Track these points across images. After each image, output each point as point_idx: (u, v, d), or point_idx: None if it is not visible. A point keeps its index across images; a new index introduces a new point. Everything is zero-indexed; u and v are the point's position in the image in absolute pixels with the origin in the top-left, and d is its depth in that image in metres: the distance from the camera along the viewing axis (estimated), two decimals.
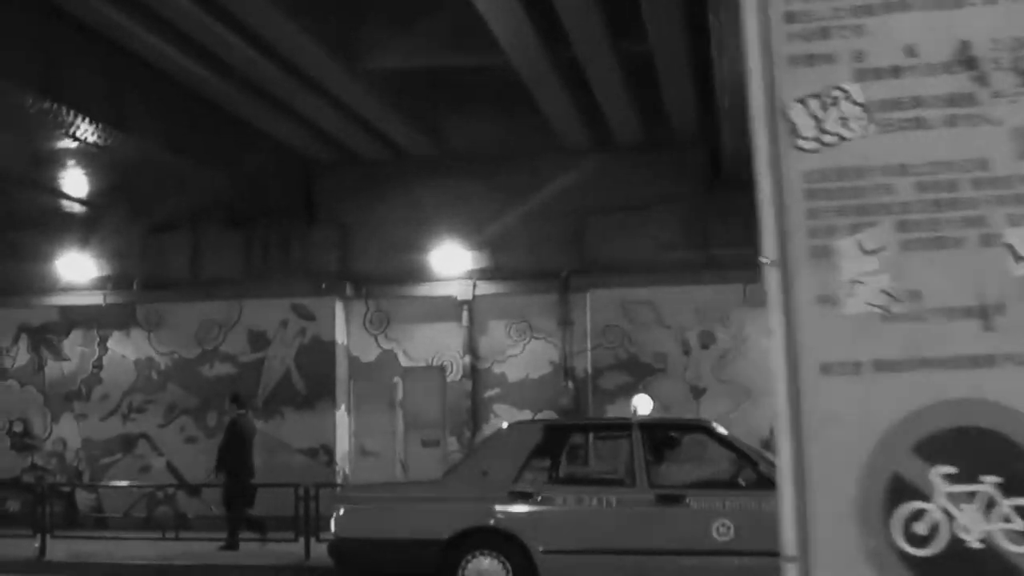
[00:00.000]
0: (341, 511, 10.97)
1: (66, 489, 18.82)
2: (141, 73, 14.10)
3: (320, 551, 14.60)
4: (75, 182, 17.28)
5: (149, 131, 14.64)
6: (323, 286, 18.26)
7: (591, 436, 12.30)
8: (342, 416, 18.43)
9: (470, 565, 10.54)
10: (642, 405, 12.45)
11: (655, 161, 17.93)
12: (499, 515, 10.59)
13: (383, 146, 17.80)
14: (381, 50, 14.82)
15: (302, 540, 14.81)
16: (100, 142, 14.09)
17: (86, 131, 13.66)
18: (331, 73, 14.40)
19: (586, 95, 15.62)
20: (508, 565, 10.47)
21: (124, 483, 18.44)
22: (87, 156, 15.65)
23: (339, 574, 11.68)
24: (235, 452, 15.74)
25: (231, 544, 15.34)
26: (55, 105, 12.75)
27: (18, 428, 18.76)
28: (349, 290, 18.46)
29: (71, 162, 16.04)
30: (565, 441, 11.73)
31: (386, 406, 15.18)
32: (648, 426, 11.08)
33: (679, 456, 11.21)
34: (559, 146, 17.91)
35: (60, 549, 15.57)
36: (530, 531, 10.50)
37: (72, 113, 13.13)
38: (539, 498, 10.59)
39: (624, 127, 16.97)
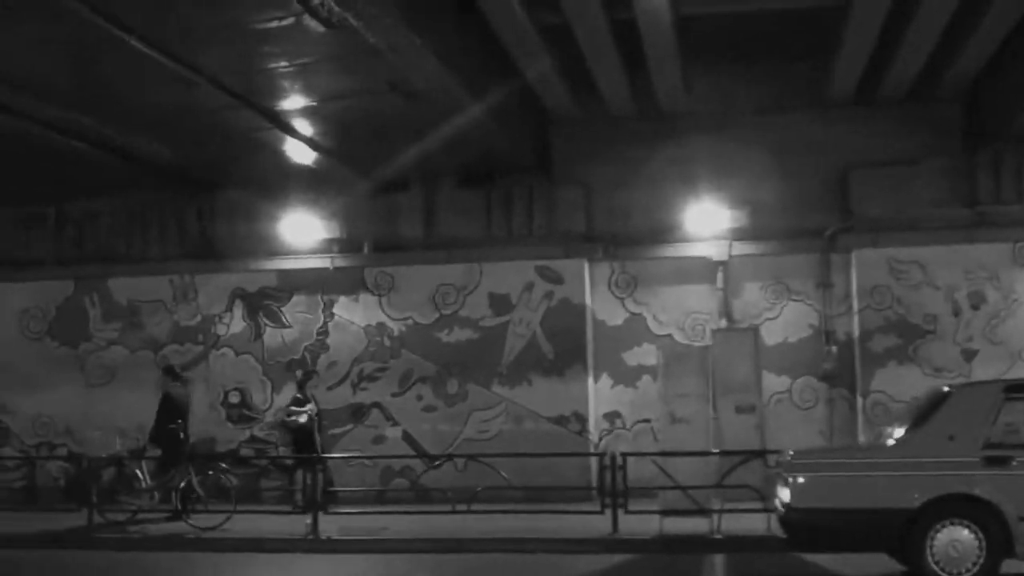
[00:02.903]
0: (798, 480, 10.20)
1: (289, 462, 17.91)
2: None
3: (631, 523, 13.93)
4: (302, 134, 16.14)
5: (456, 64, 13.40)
6: (576, 247, 17.40)
7: None
8: (591, 382, 17.67)
9: (939, 535, 9.83)
10: None
11: (916, 116, 17.18)
12: (974, 481, 9.86)
13: (636, 99, 16.89)
14: None
15: (608, 512, 14.10)
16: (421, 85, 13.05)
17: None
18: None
19: (892, 40, 14.83)
20: (981, 534, 9.77)
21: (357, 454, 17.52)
22: (319, 113, 14.69)
23: (791, 546, 10.91)
24: (170, 423, 15.70)
25: (177, 513, 15.25)
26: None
27: (235, 399, 17.84)
28: (599, 252, 17.60)
29: (302, 113, 14.96)
30: None
31: (695, 371, 14.33)
32: None
33: None
34: (817, 101, 17.16)
35: (330, 525, 14.70)
36: (1008, 498, 9.78)
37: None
38: (1015, 462, 9.88)
39: (901, 79, 16.20)
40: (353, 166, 16.99)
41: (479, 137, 15.55)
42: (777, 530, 12.70)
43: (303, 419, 16.52)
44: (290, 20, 10.96)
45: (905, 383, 16.59)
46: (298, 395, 16.83)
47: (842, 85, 16.43)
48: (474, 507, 14.47)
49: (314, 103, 14.06)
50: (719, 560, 12.76)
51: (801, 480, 10.24)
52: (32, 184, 18.13)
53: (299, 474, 15.92)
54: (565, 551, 13.45)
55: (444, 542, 13.93)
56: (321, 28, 11.04)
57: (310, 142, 15.51)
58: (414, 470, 17.39)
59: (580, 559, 13.03)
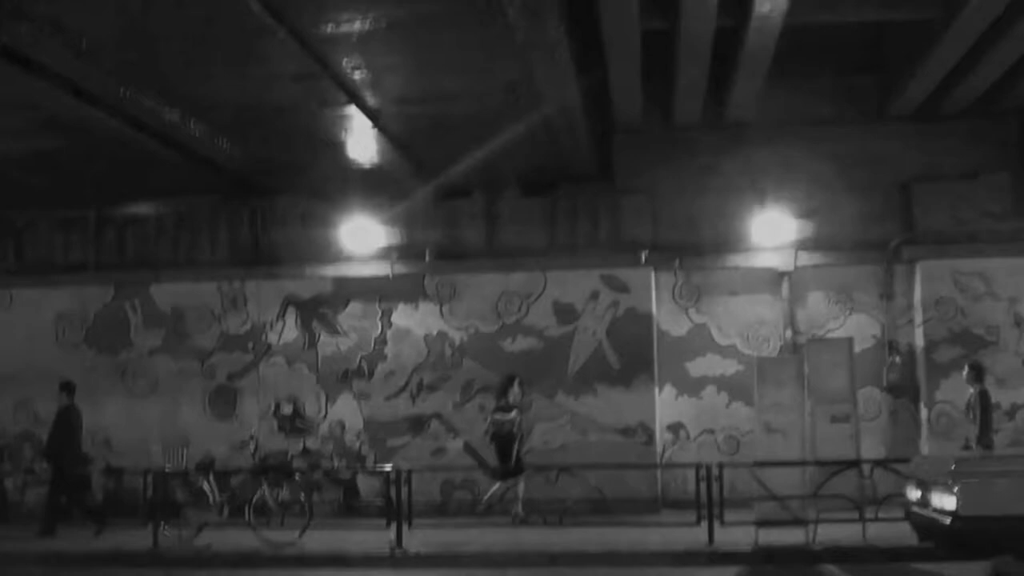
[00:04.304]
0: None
1: (345, 476, 17.50)
2: None
3: (725, 535, 13.73)
4: (363, 140, 15.79)
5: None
6: (643, 256, 17.25)
7: None
8: (657, 392, 17.50)
9: None
10: None
11: (975, 130, 17.43)
12: None
13: (702, 108, 16.85)
14: None
15: (704, 524, 13.89)
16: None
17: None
18: None
19: (970, 56, 14.99)
20: None
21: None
22: (410, 113, 14.36)
23: (956, 554, 10.85)
24: (63, 441, 15.71)
25: (46, 530, 15.31)
26: None
27: (286, 410, 17.32)
28: (665, 261, 17.47)
29: (397, 114, 14.59)
30: None
31: (789, 381, 14.28)
32: None
33: None
34: (877, 114, 17.32)
35: (411, 539, 14.27)
36: None
37: None
38: None
39: (968, 95, 16.40)
40: (421, 169, 16.64)
41: (560, 140, 15.33)
42: (875, 540, 12.77)
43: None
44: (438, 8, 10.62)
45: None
46: (501, 401, 16.21)
47: (909, 99, 16.56)
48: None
49: (418, 104, 13.70)
50: (834, 571, 12.64)
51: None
52: (74, 186, 17.50)
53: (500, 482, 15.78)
54: (665, 564, 13.22)
55: (535, 556, 13.56)
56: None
57: (397, 144, 15.12)
58: (476, 483, 17.00)
59: (683, 572, 12.86)
